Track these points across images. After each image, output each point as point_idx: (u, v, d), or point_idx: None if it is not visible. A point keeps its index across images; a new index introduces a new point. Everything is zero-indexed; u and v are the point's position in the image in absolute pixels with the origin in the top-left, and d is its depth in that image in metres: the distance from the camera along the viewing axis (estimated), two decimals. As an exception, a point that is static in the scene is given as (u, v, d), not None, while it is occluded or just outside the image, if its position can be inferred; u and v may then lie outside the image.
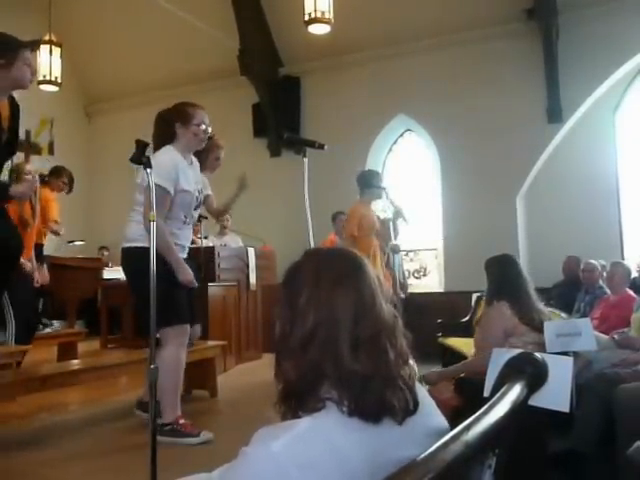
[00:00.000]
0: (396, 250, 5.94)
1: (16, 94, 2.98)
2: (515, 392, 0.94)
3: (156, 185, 3.00)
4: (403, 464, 0.78)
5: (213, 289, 5.29)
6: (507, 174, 7.01)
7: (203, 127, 3.15)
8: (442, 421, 0.99)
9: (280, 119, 8.28)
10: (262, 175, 8.38)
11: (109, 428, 3.45)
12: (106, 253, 8.56)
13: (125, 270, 3.24)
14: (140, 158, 2.23)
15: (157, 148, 3.15)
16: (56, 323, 5.46)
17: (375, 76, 7.79)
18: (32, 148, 7.26)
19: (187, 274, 3.06)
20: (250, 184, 8.18)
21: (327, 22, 5.46)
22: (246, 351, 5.77)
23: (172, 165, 3.07)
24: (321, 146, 2.96)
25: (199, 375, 4.37)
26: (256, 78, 8.23)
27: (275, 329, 1.01)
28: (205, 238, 5.83)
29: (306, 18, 5.43)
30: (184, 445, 3.00)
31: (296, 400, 0.95)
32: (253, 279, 5.87)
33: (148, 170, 2.22)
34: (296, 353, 0.94)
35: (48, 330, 5.15)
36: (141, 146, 2.26)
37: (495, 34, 7.07)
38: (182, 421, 3.10)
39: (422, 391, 1.00)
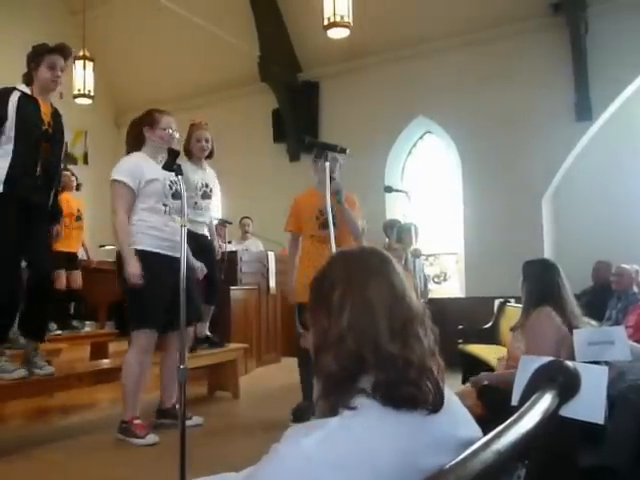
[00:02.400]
0: (417, 254, 5.91)
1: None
2: (546, 402, 0.92)
3: (115, 181, 3.18)
4: (432, 471, 0.78)
5: (235, 292, 5.33)
6: (532, 175, 6.84)
7: (169, 131, 3.36)
8: (475, 430, 0.98)
9: (299, 124, 8.31)
10: (282, 180, 8.42)
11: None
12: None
13: (117, 271, 3.40)
14: (172, 166, 2.31)
15: (129, 152, 3.41)
16: (88, 324, 5.56)
17: (394, 78, 7.75)
18: (69, 158, 7.60)
19: (131, 267, 3.14)
20: (270, 188, 8.26)
21: (346, 26, 5.45)
22: (266, 354, 5.81)
23: (132, 162, 3.32)
24: (343, 150, 2.97)
25: (222, 377, 4.43)
26: (276, 84, 8.28)
27: (308, 335, 1.03)
28: (229, 243, 5.89)
29: (325, 23, 5.44)
30: (132, 444, 3.16)
31: (335, 396, 0.95)
32: (273, 283, 5.89)
33: (179, 177, 2.29)
34: (335, 345, 0.96)
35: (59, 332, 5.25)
36: (173, 154, 2.35)
37: (519, 30, 6.90)
38: (136, 422, 3.24)
39: (454, 398, 1.00)
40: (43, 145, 3.12)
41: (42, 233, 3.21)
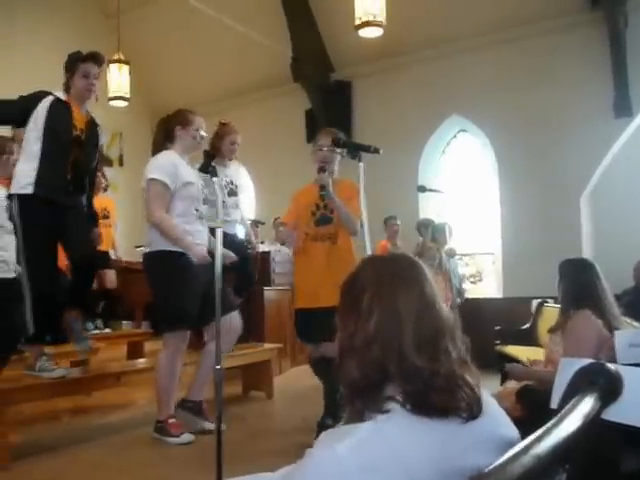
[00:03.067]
0: (451, 254, 5.85)
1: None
2: (587, 405, 0.90)
3: (154, 180, 3.18)
4: (469, 473, 0.77)
5: (268, 293, 5.36)
6: (570, 173, 6.69)
7: (201, 133, 3.42)
8: (512, 431, 0.97)
9: (332, 124, 8.30)
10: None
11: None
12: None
13: (145, 273, 3.41)
14: (207, 168, 2.34)
15: (157, 151, 3.41)
16: (124, 324, 5.66)
17: (427, 76, 7.68)
18: (105, 160, 7.82)
19: (197, 251, 3.18)
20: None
21: (378, 25, 5.42)
22: (300, 354, 5.82)
23: (170, 161, 3.29)
24: (376, 150, 2.95)
25: (256, 377, 4.45)
26: (308, 84, 8.30)
27: (338, 336, 1.02)
28: (262, 243, 5.92)
29: (357, 22, 5.42)
30: (168, 443, 3.20)
31: (361, 401, 0.95)
32: (307, 283, 5.90)
33: (214, 179, 2.33)
34: (360, 352, 0.95)
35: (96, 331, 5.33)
36: (208, 156, 2.38)
37: (556, 26, 6.76)
38: (171, 421, 3.27)
39: (491, 400, 0.99)
40: (74, 150, 3.17)
41: (80, 231, 3.24)
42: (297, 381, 5.12)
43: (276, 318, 5.45)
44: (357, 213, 3.12)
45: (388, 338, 0.94)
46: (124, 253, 6.40)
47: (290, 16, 7.97)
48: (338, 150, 3.32)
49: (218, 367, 2.35)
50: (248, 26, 7.45)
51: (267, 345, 4.64)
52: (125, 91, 7.25)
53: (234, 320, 3.46)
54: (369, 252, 2.73)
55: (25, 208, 3.04)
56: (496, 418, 0.96)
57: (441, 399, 0.89)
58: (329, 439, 0.88)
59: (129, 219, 6.84)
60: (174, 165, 3.28)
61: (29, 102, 3.13)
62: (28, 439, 3.26)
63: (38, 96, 3.14)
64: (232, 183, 4.03)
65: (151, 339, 5.74)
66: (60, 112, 3.12)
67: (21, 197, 3.03)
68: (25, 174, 3.05)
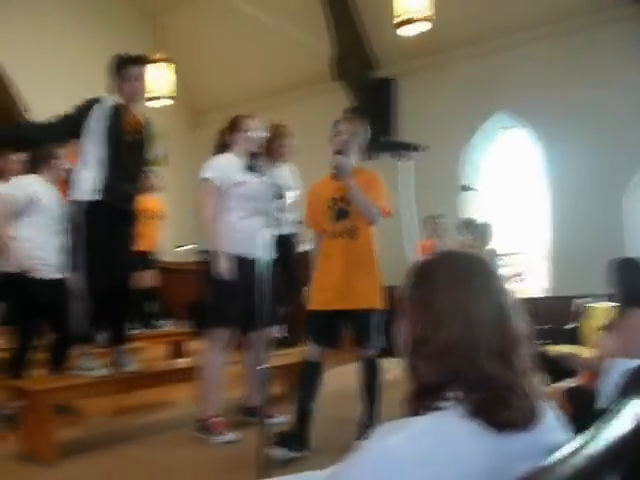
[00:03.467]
0: (493, 254, 5.77)
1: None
2: (638, 405, 0.89)
3: (204, 180, 3.29)
4: (519, 474, 0.77)
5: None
6: (621, 170, 6.52)
7: (253, 134, 3.48)
8: (566, 434, 0.95)
9: (374, 122, 8.26)
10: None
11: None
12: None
13: (198, 273, 3.53)
14: (255, 167, 2.38)
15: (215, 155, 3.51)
16: (166, 323, 5.76)
17: (472, 73, 7.58)
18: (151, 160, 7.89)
19: (220, 264, 3.20)
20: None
21: (421, 20, 5.37)
22: (343, 353, 5.82)
23: (222, 162, 3.40)
24: (415, 148, 2.95)
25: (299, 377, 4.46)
26: (349, 82, 8.28)
27: (405, 329, 1.00)
28: (303, 243, 5.93)
29: (396, 21, 5.38)
30: (210, 442, 3.23)
31: (421, 401, 0.94)
32: (349, 282, 5.90)
33: (263, 178, 2.35)
34: (435, 359, 0.93)
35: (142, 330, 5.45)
36: (255, 157, 2.41)
37: (603, 20, 6.59)
38: (214, 420, 3.28)
39: (549, 406, 0.97)
40: (129, 153, 3.26)
41: (125, 237, 3.35)
42: (340, 380, 5.12)
43: (317, 317, 5.47)
44: (378, 202, 3.06)
45: (463, 347, 0.92)
46: (165, 253, 6.50)
47: (331, 14, 7.97)
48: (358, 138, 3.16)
49: (262, 367, 2.37)
50: (289, 24, 7.49)
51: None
52: (168, 91, 7.33)
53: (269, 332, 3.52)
54: (412, 253, 2.73)
55: (86, 213, 3.12)
56: (552, 426, 0.95)
57: (504, 414, 0.87)
58: (382, 432, 0.88)
59: (173, 219, 6.97)
60: (226, 165, 3.37)
61: (82, 113, 3.20)
62: (74, 437, 3.31)
63: (89, 105, 3.21)
64: (279, 184, 4.07)
65: (191, 338, 5.83)
66: (113, 117, 3.19)
67: (82, 203, 3.12)
68: (85, 180, 3.13)
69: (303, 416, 3.03)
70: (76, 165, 3.25)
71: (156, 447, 3.20)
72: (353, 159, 3.18)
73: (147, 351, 5.05)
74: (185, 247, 8.14)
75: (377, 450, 0.85)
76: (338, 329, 3.25)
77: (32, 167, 3.75)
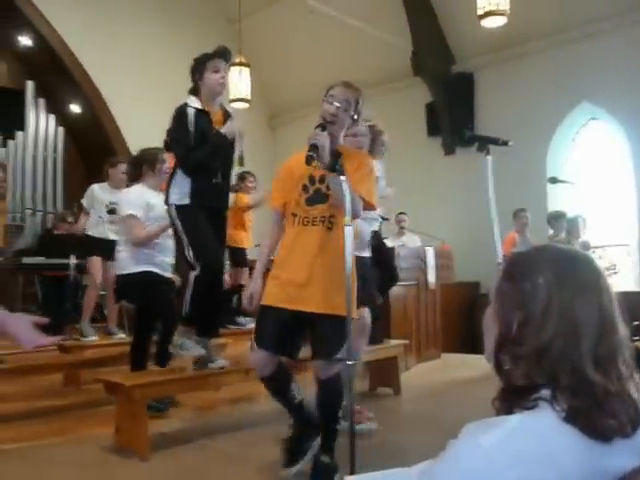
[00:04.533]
0: (586, 247, 5.53)
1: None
2: None
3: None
4: (619, 473, 0.75)
5: (393, 289, 5.36)
6: None
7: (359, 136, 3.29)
8: None
9: (454, 116, 8.16)
10: (437, 174, 8.32)
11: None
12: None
13: None
14: (334, 166, 2.32)
15: None
16: (249, 320, 5.89)
17: (554, 63, 7.33)
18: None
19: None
20: (424, 183, 8.15)
21: (502, 14, 5.25)
22: (426, 350, 5.79)
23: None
24: (505, 142, 2.87)
25: (383, 373, 4.48)
26: (429, 77, 8.22)
27: (492, 322, 0.96)
28: (384, 239, 5.93)
29: (480, 12, 5.29)
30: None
31: (513, 402, 0.91)
32: (432, 278, 5.87)
33: (342, 177, 2.28)
34: (529, 360, 0.89)
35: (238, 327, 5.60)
36: (333, 155, 2.37)
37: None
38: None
39: None
40: (219, 152, 3.35)
41: (220, 235, 3.45)
42: (424, 377, 5.10)
43: (401, 314, 5.46)
44: (362, 191, 2.40)
45: (564, 351, 0.87)
46: (250, 253, 6.66)
47: (409, 9, 7.91)
48: (353, 114, 2.50)
49: (350, 363, 2.34)
50: (367, 22, 7.50)
51: (393, 341, 4.66)
52: (246, 93, 7.52)
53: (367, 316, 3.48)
54: (498, 248, 2.65)
55: (184, 216, 3.22)
56: None
57: (605, 422, 0.83)
58: (473, 431, 0.86)
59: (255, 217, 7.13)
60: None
61: (185, 124, 3.25)
62: (164, 431, 3.37)
63: (183, 112, 3.25)
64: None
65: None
66: (202, 121, 3.25)
67: (179, 207, 3.23)
68: (181, 185, 3.26)
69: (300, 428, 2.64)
70: (173, 169, 3.37)
71: (244, 442, 3.24)
72: (341, 136, 2.57)
73: (233, 347, 5.14)
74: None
75: (471, 450, 0.84)
76: (299, 335, 2.59)
77: (137, 172, 3.90)
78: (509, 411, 0.90)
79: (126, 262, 3.74)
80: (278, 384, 2.60)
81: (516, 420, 0.86)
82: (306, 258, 2.46)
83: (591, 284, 0.91)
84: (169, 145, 3.65)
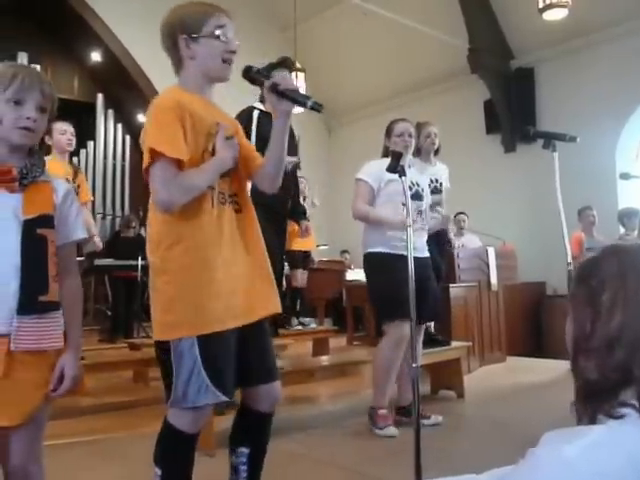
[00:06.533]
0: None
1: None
2: None
3: (358, 180, 3.42)
4: None
5: (454, 290, 5.29)
6: None
7: (404, 137, 3.47)
8: None
9: (514, 113, 7.97)
10: (496, 172, 8.15)
11: (356, 422, 3.56)
12: (347, 256, 9.08)
13: (365, 271, 3.57)
14: (395, 168, 2.36)
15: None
16: (308, 321, 5.96)
17: (620, 54, 7.06)
18: None
19: (397, 220, 3.13)
20: (483, 181, 7.98)
21: (564, 6, 5.13)
22: (490, 353, 5.66)
23: (376, 165, 3.41)
24: (573, 139, 2.81)
25: (445, 376, 4.41)
26: (487, 74, 8.07)
27: (570, 328, 0.97)
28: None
29: (540, 5, 5.19)
30: (372, 433, 3.29)
31: (594, 404, 0.89)
32: (494, 279, 5.74)
33: (403, 178, 2.34)
34: (600, 353, 0.89)
35: (299, 327, 5.67)
36: (395, 156, 2.40)
37: None
38: (380, 412, 3.31)
39: None
40: None
41: (282, 238, 3.52)
42: (487, 381, 4.99)
43: (463, 316, 5.36)
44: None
45: (632, 341, 0.87)
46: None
47: (465, 7, 7.81)
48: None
49: (415, 365, 2.37)
50: (421, 22, 7.44)
51: (456, 343, 4.59)
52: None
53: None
54: (567, 248, 2.59)
55: None
56: None
57: None
58: (555, 440, 0.83)
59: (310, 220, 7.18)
60: (380, 166, 3.33)
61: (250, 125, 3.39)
62: (228, 427, 3.48)
63: (248, 114, 3.39)
64: (437, 181, 4.09)
65: (335, 336, 5.97)
66: (265, 123, 3.34)
67: None
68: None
69: None
70: None
71: (305, 442, 3.25)
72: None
73: (294, 348, 5.18)
74: (322, 247, 8.41)
75: (552, 460, 0.81)
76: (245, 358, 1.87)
77: None
78: (592, 416, 0.88)
79: None
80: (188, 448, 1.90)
81: (603, 431, 0.83)
82: (233, 252, 1.83)
83: None
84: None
